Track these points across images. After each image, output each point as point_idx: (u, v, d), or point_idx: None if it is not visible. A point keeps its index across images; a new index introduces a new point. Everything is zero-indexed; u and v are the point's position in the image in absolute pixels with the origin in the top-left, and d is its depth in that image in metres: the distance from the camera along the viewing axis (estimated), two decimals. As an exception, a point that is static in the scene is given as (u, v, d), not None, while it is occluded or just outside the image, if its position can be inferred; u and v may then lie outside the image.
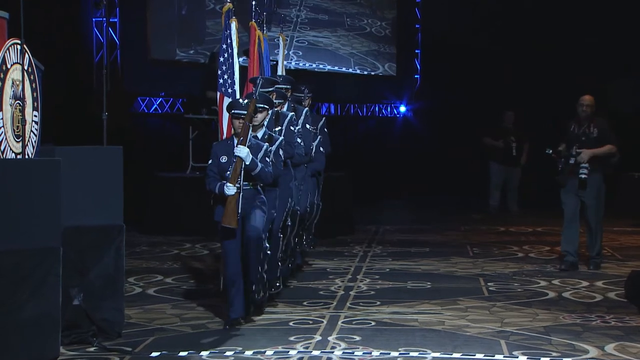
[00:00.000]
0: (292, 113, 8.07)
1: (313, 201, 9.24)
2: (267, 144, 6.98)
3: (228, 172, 6.76)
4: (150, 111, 14.89)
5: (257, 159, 6.80)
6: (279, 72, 9.49)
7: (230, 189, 6.70)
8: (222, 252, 6.99)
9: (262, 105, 7.00)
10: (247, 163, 6.72)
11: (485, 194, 16.22)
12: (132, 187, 9.51)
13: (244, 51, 8.78)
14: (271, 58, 9.44)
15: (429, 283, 8.88)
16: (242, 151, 6.72)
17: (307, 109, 8.68)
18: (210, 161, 6.91)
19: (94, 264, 6.42)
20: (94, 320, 6.40)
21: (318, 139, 9.03)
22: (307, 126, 8.43)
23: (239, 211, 6.71)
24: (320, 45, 17.30)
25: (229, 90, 7.83)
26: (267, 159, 6.88)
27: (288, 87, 8.36)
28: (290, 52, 16.37)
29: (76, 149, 6.68)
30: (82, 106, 13.31)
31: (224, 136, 7.76)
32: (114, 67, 14.24)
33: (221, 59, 7.90)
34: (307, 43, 17.12)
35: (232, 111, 6.84)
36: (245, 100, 6.87)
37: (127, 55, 14.41)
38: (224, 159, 6.83)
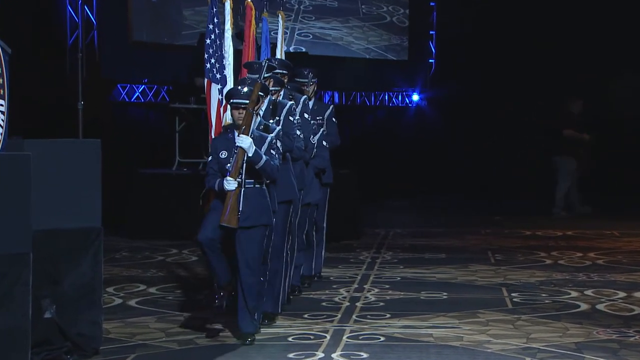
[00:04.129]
0: (292, 102, 8.04)
1: (321, 217, 9.19)
2: (271, 135, 6.96)
3: (228, 165, 6.75)
4: (132, 100, 14.89)
5: (261, 151, 6.78)
6: (277, 56, 9.44)
7: (230, 184, 6.69)
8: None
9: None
10: (250, 155, 6.70)
11: (506, 194, 16.30)
12: (112, 186, 9.50)
13: (236, 33, 8.75)
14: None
15: (445, 293, 8.87)
16: (245, 141, 6.69)
17: (305, 97, 8.63)
18: (209, 158, 6.92)
19: (68, 271, 6.41)
20: (68, 335, 6.39)
21: (320, 131, 8.98)
22: (306, 116, 8.39)
23: (240, 209, 6.70)
24: (328, 38, 16.70)
25: (217, 76, 7.82)
26: (272, 151, 6.86)
27: (285, 72, 8.33)
28: (291, 49, 15.70)
29: (48, 143, 6.66)
30: (54, 94, 13.31)
31: (213, 128, 7.74)
32: (91, 50, 14.24)
33: (207, 41, 7.88)
34: (311, 36, 16.47)
35: (232, 100, 6.82)
36: (245, 89, 6.84)
37: (106, 37, 14.40)
38: (223, 154, 6.81)
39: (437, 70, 18.54)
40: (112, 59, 14.40)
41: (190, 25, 14.85)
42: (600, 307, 8.27)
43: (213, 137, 7.57)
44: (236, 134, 6.78)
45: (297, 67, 9.03)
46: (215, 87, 7.78)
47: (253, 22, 8.30)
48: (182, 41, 14.75)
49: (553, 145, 15.36)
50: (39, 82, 13.15)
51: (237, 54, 8.17)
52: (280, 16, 9.91)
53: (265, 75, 7.37)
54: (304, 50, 16.04)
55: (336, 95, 17.55)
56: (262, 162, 6.74)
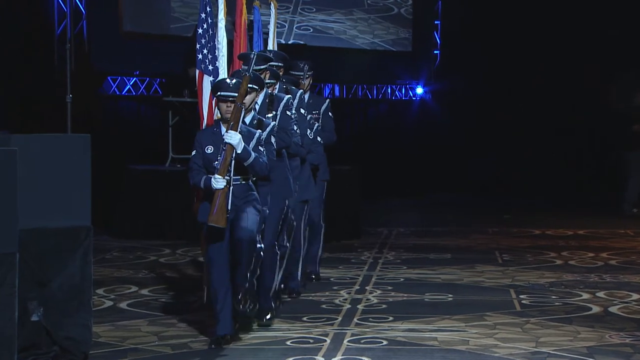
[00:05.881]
0: (289, 96, 8.06)
1: (317, 214, 9.22)
2: (259, 130, 6.97)
3: (216, 163, 6.74)
4: (123, 93, 14.89)
5: (249, 147, 6.77)
6: (270, 47, 9.44)
7: (218, 182, 6.68)
8: (206, 258, 6.95)
9: (251, 86, 6.97)
10: (239, 151, 6.69)
11: (515, 192, 16.30)
12: (102, 183, 9.50)
13: (230, 22, 8.75)
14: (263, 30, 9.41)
15: (450, 295, 8.88)
16: (234, 137, 6.67)
17: (301, 91, 8.64)
18: (193, 152, 6.88)
19: (56, 272, 6.41)
20: (56, 339, 6.39)
21: (315, 126, 9.00)
22: (302, 111, 8.41)
23: (229, 208, 6.69)
24: (330, 32, 16.41)
25: (210, 68, 7.81)
26: (260, 147, 6.87)
27: (280, 64, 8.35)
28: (289, 43, 15.57)
29: (35, 137, 6.66)
30: (42, 87, 13.31)
31: (205, 121, 7.73)
32: (80, 41, 14.23)
33: (199, 31, 7.86)
34: (312, 30, 16.23)
35: (219, 93, 6.81)
36: (234, 80, 6.84)
37: (95, 27, 14.39)
38: (209, 149, 6.80)
39: (442, 62, 18.52)
40: (102, 50, 14.38)
41: (179, 18, 14.75)
42: (613, 309, 8.27)
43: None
44: (223, 129, 6.78)
45: (292, 60, 9.03)
46: (207, 79, 7.77)
47: (244, 11, 8.28)
48: (172, 33, 14.68)
49: (624, 140, 15.48)
50: (26, 74, 13.15)
51: (229, 44, 8.16)
52: (272, 5, 9.86)
53: (260, 67, 7.38)
54: (302, 43, 15.96)
55: (337, 88, 17.54)
56: (251, 159, 6.73)
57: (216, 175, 6.69)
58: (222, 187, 6.68)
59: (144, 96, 14.97)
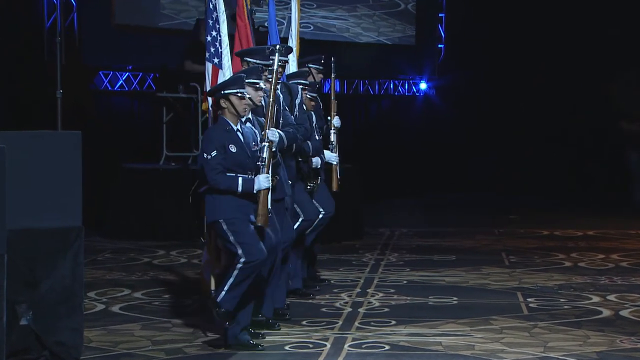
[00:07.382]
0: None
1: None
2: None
3: (259, 163, 6.84)
4: (115, 88, 14.88)
5: None
6: (292, 42, 9.55)
7: (268, 181, 6.83)
8: (248, 263, 6.81)
9: (281, 63, 7.38)
10: (274, 149, 7.03)
11: (522, 191, 16.28)
12: (94, 181, 9.50)
13: (230, 16, 8.74)
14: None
15: (455, 298, 8.88)
16: (276, 134, 7.09)
17: (301, 87, 8.71)
18: (214, 153, 6.76)
19: (46, 274, 6.41)
20: (46, 343, 6.40)
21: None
22: (304, 107, 8.49)
23: (270, 207, 6.90)
24: (332, 30, 16.30)
25: (216, 61, 7.75)
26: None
27: (287, 59, 8.40)
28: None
29: (24, 134, 6.66)
30: (31, 82, 13.30)
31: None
32: (70, 34, 14.22)
33: (209, 22, 7.71)
34: (312, 28, 16.14)
35: (248, 80, 6.95)
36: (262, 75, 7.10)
37: (86, 20, 14.38)
38: (233, 148, 6.81)
39: (447, 57, 18.52)
40: (94, 44, 14.37)
41: (168, 15, 14.69)
42: (624, 313, 8.27)
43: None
44: (233, 126, 6.82)
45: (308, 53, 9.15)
46: (222, 74, 7.69)
47: (245, 4, 8.22)
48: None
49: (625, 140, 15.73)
50: (15, 69, 13.14)
51: (230, 38, 8.14)
52: None
53: (265, 62, 7.47)
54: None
55: (337, 83, 17.49)
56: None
57: (265, 174, 6.83)
58: (270, 185, 6.85)
59: (137, 91, 14.95)
